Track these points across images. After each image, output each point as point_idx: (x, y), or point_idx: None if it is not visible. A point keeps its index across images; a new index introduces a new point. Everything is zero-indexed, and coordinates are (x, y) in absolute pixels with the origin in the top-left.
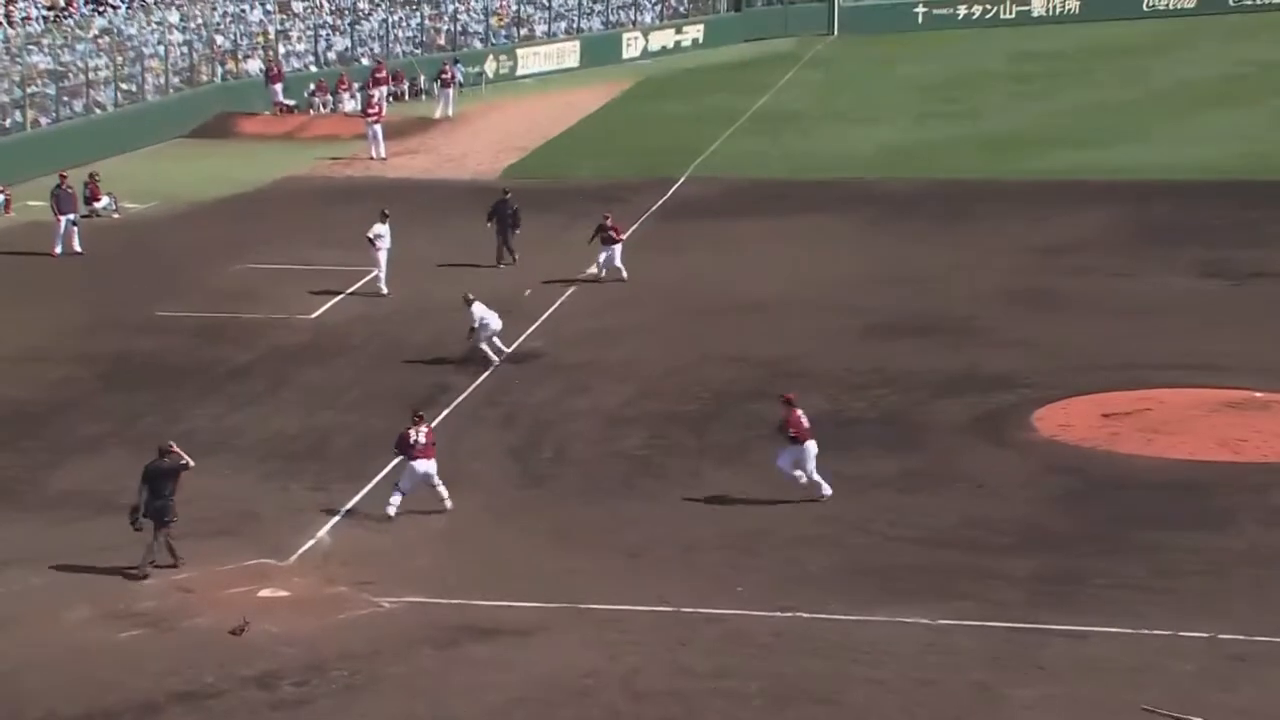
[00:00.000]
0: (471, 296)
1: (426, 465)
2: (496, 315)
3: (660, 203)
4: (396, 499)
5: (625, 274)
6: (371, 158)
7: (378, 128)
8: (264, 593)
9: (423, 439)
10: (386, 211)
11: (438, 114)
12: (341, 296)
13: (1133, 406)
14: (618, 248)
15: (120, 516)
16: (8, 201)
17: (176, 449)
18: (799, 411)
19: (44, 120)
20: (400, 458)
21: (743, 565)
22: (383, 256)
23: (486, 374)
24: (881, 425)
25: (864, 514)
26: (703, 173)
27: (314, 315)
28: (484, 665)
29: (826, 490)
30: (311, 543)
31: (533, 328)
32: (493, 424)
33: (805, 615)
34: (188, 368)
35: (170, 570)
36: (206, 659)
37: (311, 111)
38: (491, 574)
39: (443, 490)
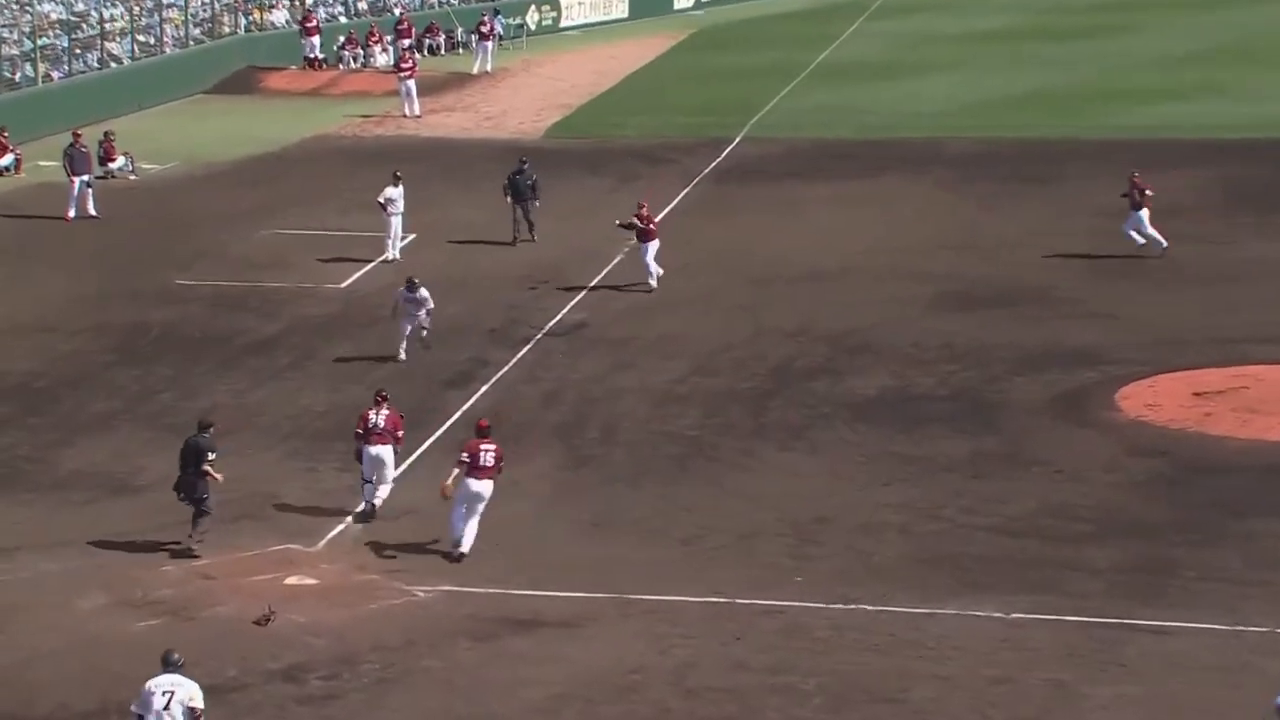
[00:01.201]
0: (417, 281)
1: (380, 450)
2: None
3: (714, 164)
4: (370, 489)
5: (655, 280)
6: (404, 116)
7: (411, 84)
8: (290, 580)
9: (382, 422)
10: (399, 174)
11: (475, 69)
12: (373, 264)
13: (1226, 384)
14: (652, 245)
15: (138, 497)
16: (18, 162)
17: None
18: None
19: (56, 74)
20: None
21: (802, 554)
22: (395, 222)
23: (526, 348)
24: (952, 404)
25: (933, 500)
26: (760, 132)
27: (343, 284)
28: (524, 659)
29: None
30: (341, 527)
31: (577, 298)
32: (534, 401)
33: (869, 608)
34: (208, 340)
35: (190, 557)
36: (229, 651)
37: (341, 66)
38: (533, 562)
39: (382, 491)
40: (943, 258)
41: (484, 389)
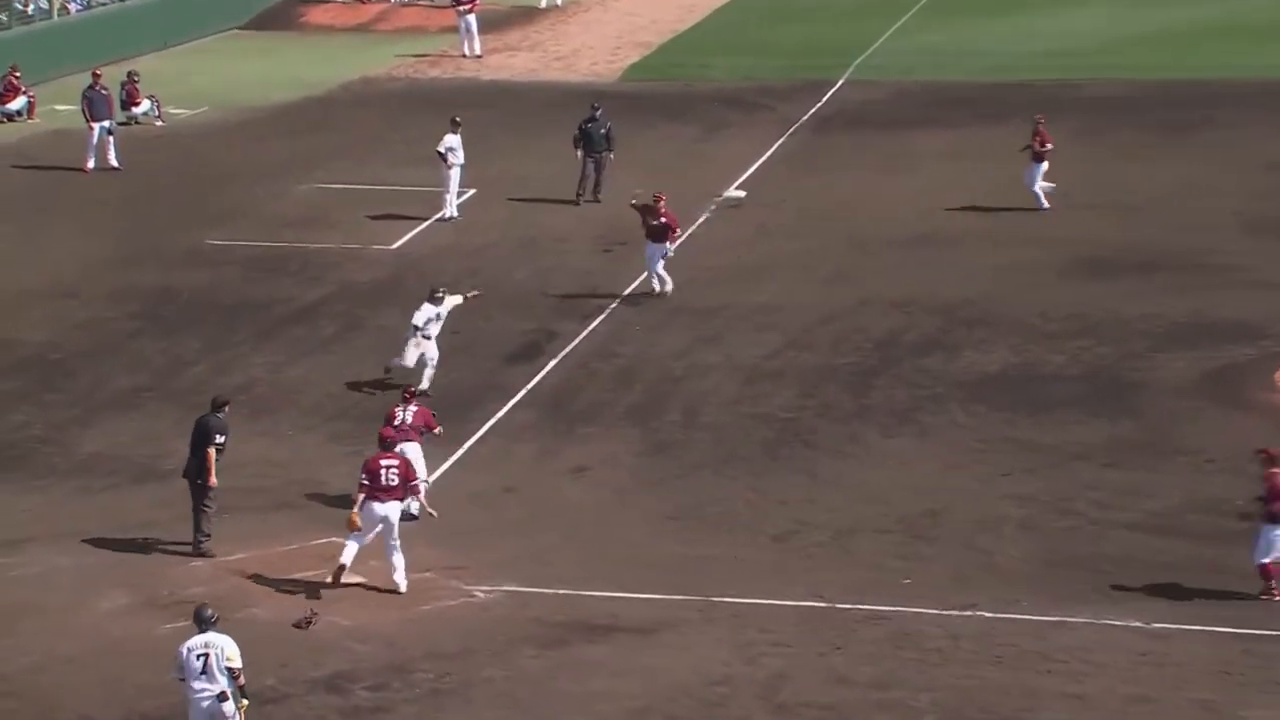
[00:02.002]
0: (441, 294)
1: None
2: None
3: (813, 111)
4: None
5: (669, 285)
6: (464, 55)
7: (471, 18)
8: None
9: (410, 418)
10: (458, 119)
11: (544, 2)
12: (428, 223)
13: None
14: (670, 246)
15: (164, 484)
16: (31, 105)
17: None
18: None
19: (74, 6)
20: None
21: (912, 553)
22: (454, 175)
23: (599, 319)
24: (1085, 384)
25: (1063, 492)
26: (865, 75)
27: (394, 246)
28: (597, 669)
29: None
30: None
31: (664, 259)
32: (608, 380)
33: (988, 615)
34: (243, 307)
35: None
36: (266, 657)
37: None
38: (606, 559)
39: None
40: (1074, 217)
41: (552, 364)
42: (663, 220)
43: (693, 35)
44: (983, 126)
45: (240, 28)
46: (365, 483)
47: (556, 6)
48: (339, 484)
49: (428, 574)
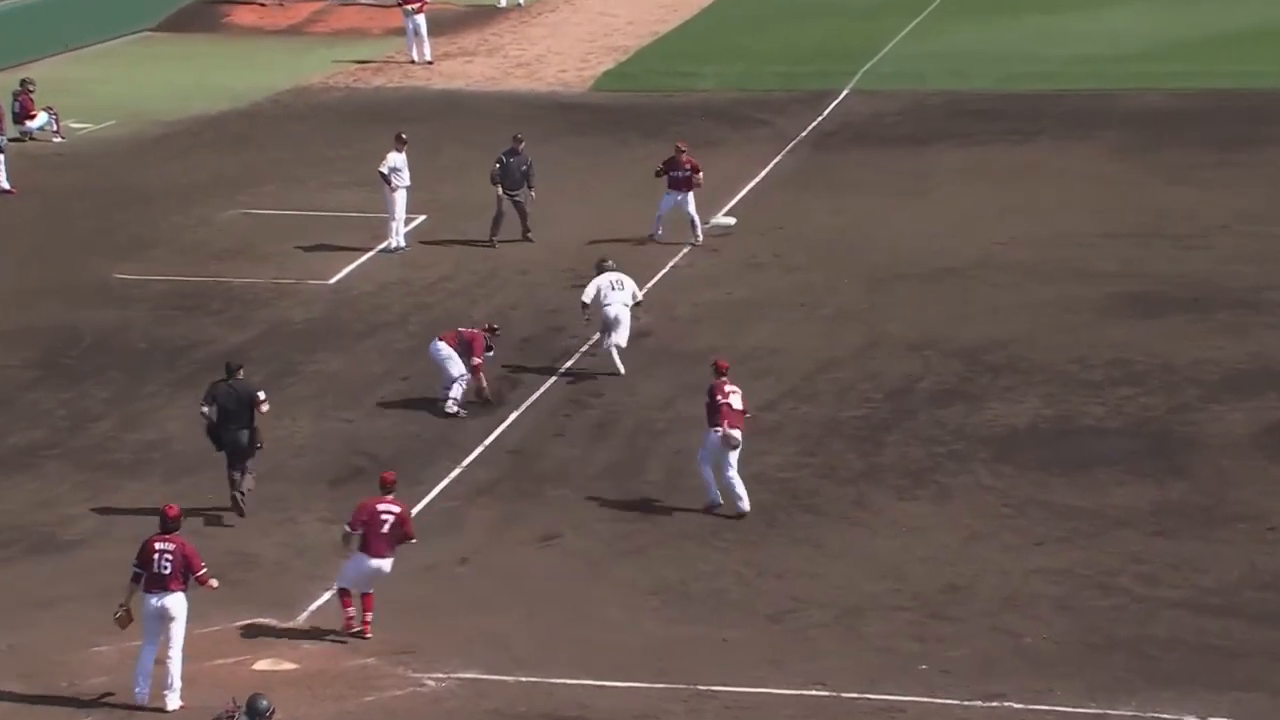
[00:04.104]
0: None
1: (383, 564)
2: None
3: (814, 125)
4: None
5: (700, 233)
6: (412, 60)
7: (420, 19)
8: (262, 665)
9: (392, 514)
10: (403, 136)
11: (503, 1)
12: (370, 254)
13: None
14: (691, 195)
15: (66, 555)
16: (56, 120)
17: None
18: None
19: None
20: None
21: (930, 634)
22: (400, 199)
23: (569, 363)
24: (1129, 439)
25: (1104, 564)
26: (874, 84)
27: (332, 280)
28: None
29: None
30: (328, 595)
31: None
32: (580, 433)
33: (1017, 706)
34: (157, 352)
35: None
36: None
37: None
38: (576, 641)
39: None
40: (1116, 248)
41: (515, 415)
42: (688, 170)
43: (675, 39)
44: (1009, 143)
45: (153, 29)
46: (136, 569)
47: (518, 6)
48: (271, 555)
49: (370, 660)
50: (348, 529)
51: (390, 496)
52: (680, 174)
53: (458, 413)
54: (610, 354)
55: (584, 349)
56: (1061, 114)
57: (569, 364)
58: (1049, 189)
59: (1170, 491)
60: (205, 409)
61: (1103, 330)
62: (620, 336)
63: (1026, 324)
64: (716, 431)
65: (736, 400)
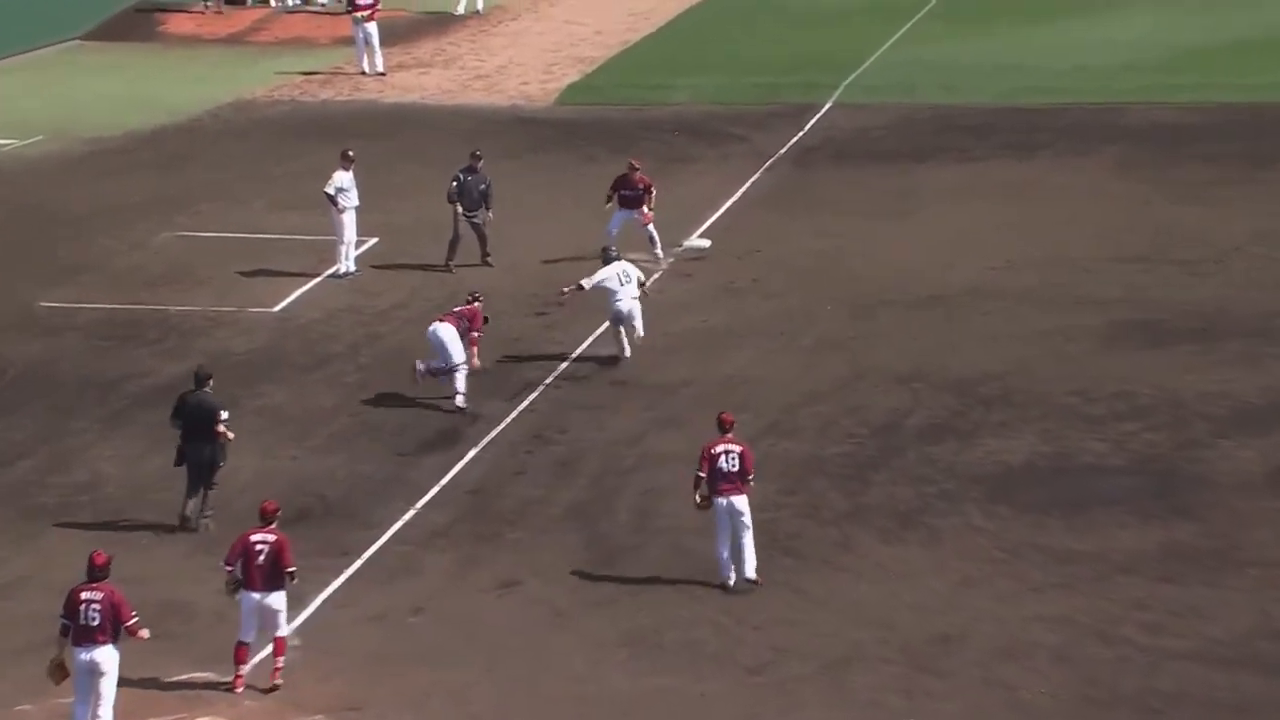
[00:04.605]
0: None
1: (273, 599)
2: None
3: (795, 140)
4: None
5: (660, 250)
6: (363, 72)
7: (371, 28)
8: None
9: (267, 544)
10: (350, 153)
11: (461, 7)
12: (317, 280)
13: None
14: (649, 215)
15: None
16: None
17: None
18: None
19: None
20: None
21: (918, 688)
22: (348, 221)
23: (533, 396)
24: (1132, 478)
25: (1107, 612)
26: (859, 96)
27: (276, 308)
28: None
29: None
30: (270, 647)
31: (603, 327)
32: (543, 472)
33: None
34: (87, 385)
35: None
36: None
37: (273, 3)
38: (539, 696)
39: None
40: (1119, 273)
41: (473, 453)
42: (640, 187)
43: (646, 49)
44: (1005, 160)
45: (83, 38)
46: (64, 621)
47: (477, 13)
48: (209, 604)
49: (317, 717)
50: (225, 567)
51: (270, 526)
52: (631, 193)
53: (466, 408)
54: (617, 337)
55: (548, 379)
56: (1062, 129)
57: (532, 397)
58: (1048, 209)
59: (1177, 534)
60: (173, 422)
61: (1105, 361)
62: (638, 327)
63: (1023, 354)
64: (719, 501)
65: (729, 462)
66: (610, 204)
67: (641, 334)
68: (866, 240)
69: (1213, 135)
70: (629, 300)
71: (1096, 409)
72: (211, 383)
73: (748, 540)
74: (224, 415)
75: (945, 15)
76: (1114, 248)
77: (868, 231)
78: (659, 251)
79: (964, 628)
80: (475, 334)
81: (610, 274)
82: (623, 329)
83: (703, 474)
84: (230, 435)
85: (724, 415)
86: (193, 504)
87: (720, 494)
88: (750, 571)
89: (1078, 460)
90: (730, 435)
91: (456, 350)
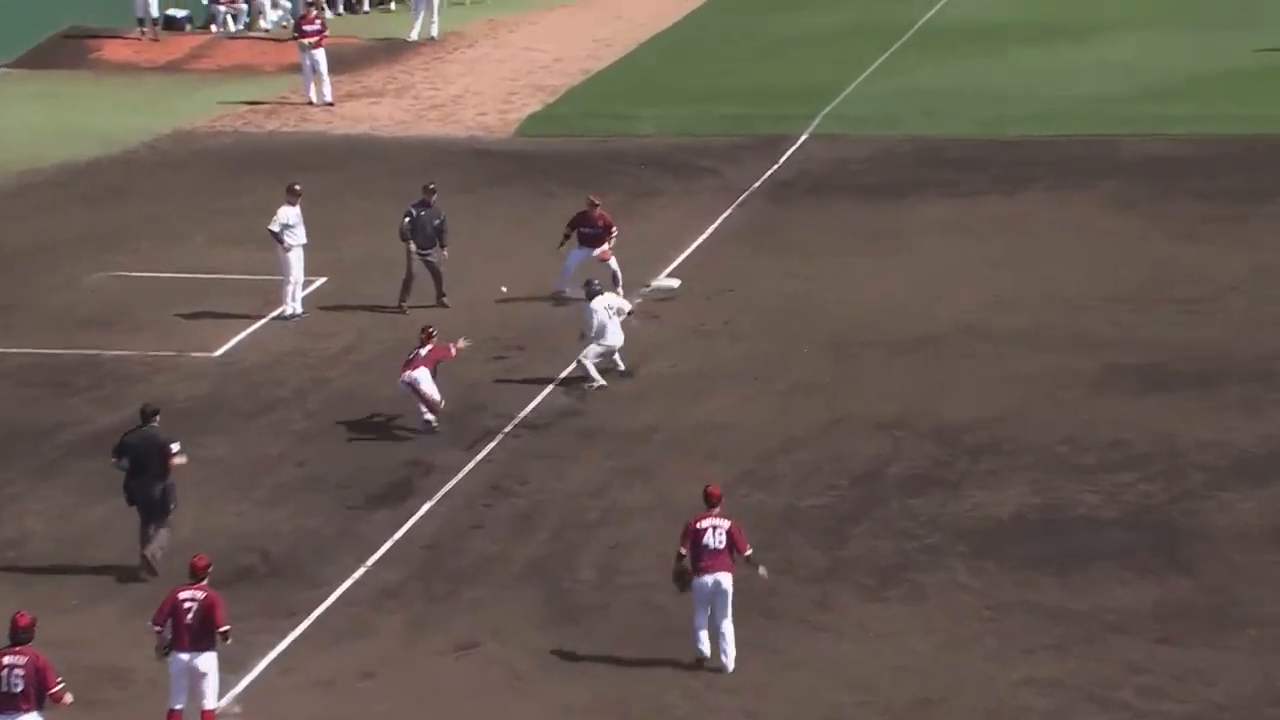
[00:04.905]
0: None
1: (202, 661)
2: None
3: (769, 174)
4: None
5: (621, 289)
6: (310, 101)
7: (319, 55)
8: None
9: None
10: (297, 188)
11: (415, 33)
12: (262, 323)
13: None
14: (608, 253)
15: None
16: None
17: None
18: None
19: None
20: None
21: None
22: (295, 259)
23: (490, 447)
24: (1127, 531)
25: (1101, 675)
26: (837, 127)
27: (217, 353)
28: None
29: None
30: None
31: (565, 371)
32: (502, 526)
33: None
34: (15, 436)
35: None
36: None
37: (214, 28)
38: None
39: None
40: (1114, 313)
41: (428, 506)
42: (600, 225)
43: (611, 78)
44: (993, 194)
45: (10, 65)
46: (157, 628)
47: (432, 39)
48: (145, 670)
49: None
50: (154, 627)
51: (200, 583)
52: (591, 230)
53: (436, 427)
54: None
55: (508, 428)
56: (1052, 161)
57: (490, 446)
58: (1038, 246)
59: (1175, 592)
60: (115, 460)
61: (1098, 407)
62: (620, 362)
63: (1011, 399)
64: (703, 581)
65: (716, 538)
66: (565, 244)
67: (623, 368)
68: (845, 279)
69: (1209, 168)
70: (617, 336)
71: (1089, 458)
72: (159, 418)
73: (728, 627)
74: (175, 448)
75: (928, 42)
76: (1107, 286)
77: (847, 270)
78: (620, 291)
79: (949, 691)
80: (451, 355)
81: (601, 310)
82: (603, 359)
83: (684, 551)
84: (183, 459)
85: (711, 489)
86: (151, 538)
87: (704, 572)
88: (730, 662)
89: (1070, 513)
90: (718, 510)
91: (433, 391)
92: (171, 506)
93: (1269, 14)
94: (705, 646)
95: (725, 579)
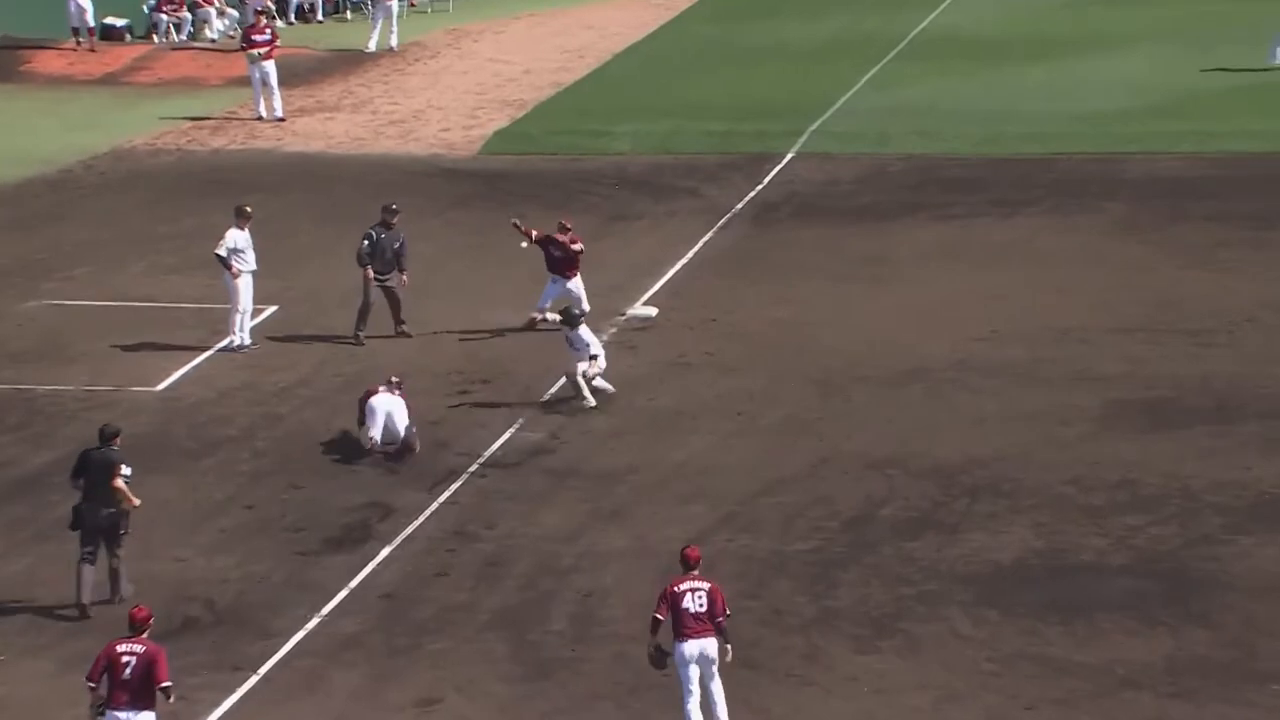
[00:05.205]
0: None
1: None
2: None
3: (753, 195)
4: None
5: (586, 309)
6: (260, 117)
7: (269, 67)
8: None
9: (135, 655)
10: (247, 209)
11: (373, 44)
12: (208, 355)
13: None
14: (576, 280)
15: None
16: None
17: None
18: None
19: None
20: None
21: None
22: (243, 285)
23: (454, 487)
24: (1137, 578)
25: None
26: (824, 145)
27: (159, 387)
28: None
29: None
30: None
31: (533, 409)
32: (467, 573)
33: None
34: None
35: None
36: None
37: (155, 38)
38: None
39: None
40: (1121, 345)
41: (387, 551)
42: (574, 249)
43: (583, 91)
44: (991, 218)
45: None
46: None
47: (391, 50)
48: None
49: None
50: (89, 684)
51: (140, 636)
52: (562, 254)
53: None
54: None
55: (472, 467)
56: (1053, 182)
57: (454, 487)
58: (1038, 273)
59: (1189, 643)
60: (72, 481)
61: (1105, 445)
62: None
63: (1012, 437)
64: (683, 648)
65: (696, 601)
66: (527, 245)
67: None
68: (835, 308)
69: (1220, 189)
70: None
71: (1096, 499)
72: (118, 441)
73: (717, 690)
74: (125, 471)
75: (921, 55)
76: (1113, 317)
77: (836, 298)
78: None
79: None
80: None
81: (592, 336)
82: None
83: (661, 617)
84: (134, 501)
85: (690, 550)
86: (90, 580)
87: (686, 637)
88: None
89: (1076, 558)
90: (696, 573)
91: (403, 419)
92: (122, 532)
93: None
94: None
95: (711, 646)
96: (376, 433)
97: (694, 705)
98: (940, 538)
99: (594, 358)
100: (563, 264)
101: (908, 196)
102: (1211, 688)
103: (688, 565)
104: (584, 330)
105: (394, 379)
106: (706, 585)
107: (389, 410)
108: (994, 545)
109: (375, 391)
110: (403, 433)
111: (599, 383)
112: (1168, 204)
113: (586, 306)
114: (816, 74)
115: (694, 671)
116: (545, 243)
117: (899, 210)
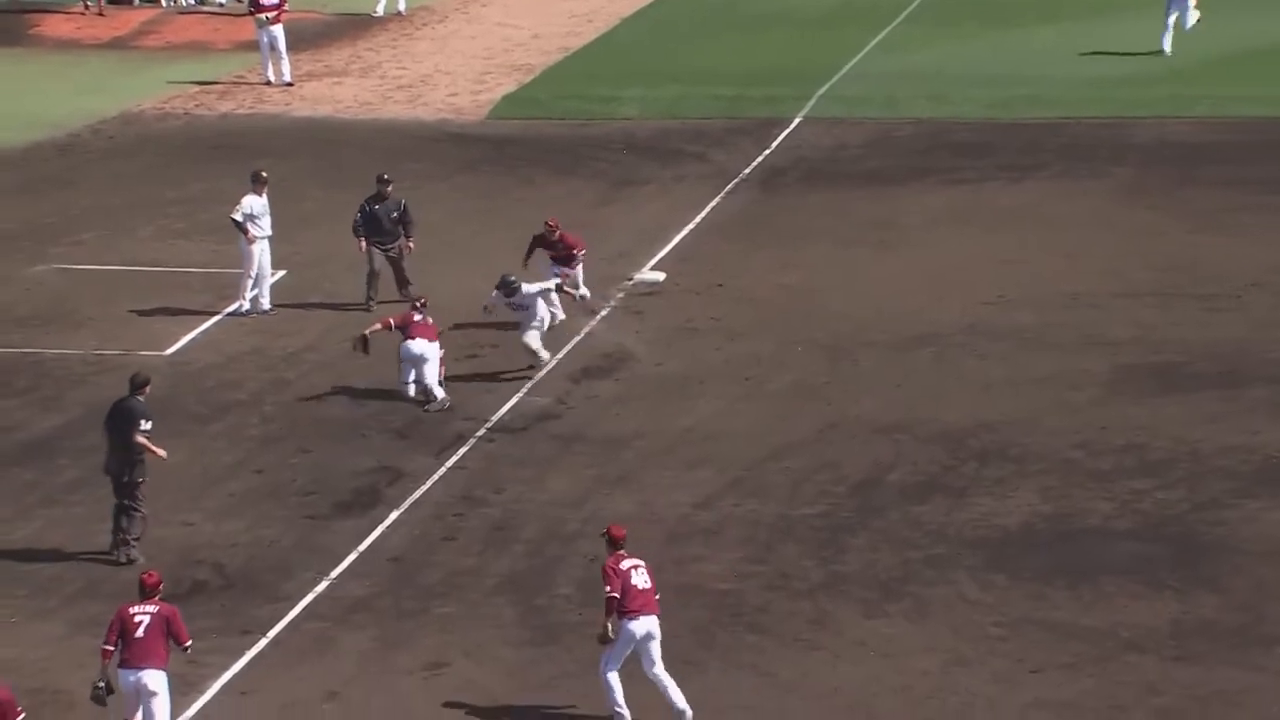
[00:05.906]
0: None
1: (146, 677)
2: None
3: (760, 159)
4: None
5: (586, 292)
6: (268, 81)
7: (278, 31)
8: None
9: (148, 615)
10: (264, 173)
11: (380, 8)
12: (217, 319)
13: None
14: (578, 272)
15: None
16: None
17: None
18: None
19: None
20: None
21: None
22: (257, 251)
23: (462, 451)
24: (1145, 543)
25: (1115, 696)
26: (833, 109)
27: (168, 351)
28: None
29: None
30: None
31: (543, 373)
32: (474, 538)
33: None
34: None
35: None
36: None
37: (164, 2)
38: None
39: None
40: (1130, 310)
41: (395, 515)
42: (562, 246)
43: (591, 56)
44: (1000, 182)
45: None
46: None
47: (399, 14)
48: (88, 694)
49: None
50: (104, 647)
51: (153, 598)
52: (557, 252)
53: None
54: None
55: (479, 433)
56: (1063, 147)
57: (462, 452)
58: (1048, 238)
59: (1196, 607)
60: (105, 429)
61: (1113, 410)
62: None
63: (1020, 402)
64: (631, 626)
65: (640, 577)
66: (528, 260)
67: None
68: (843, 273)
69: (1231, 154)
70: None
71: (1104, 464)
72: (147, 390)
73: (663, 673)
74: (145, 425)
75: (930, 18)
76: (1121, 282)
77: (844, 264)
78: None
79: (955, 714)
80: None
81: (540, 303)
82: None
83: (616, 594)
84: (158, 452)
85: (614, 529)
86: (123, 525)
87: (635, 614)
88: (686, 706)
89: (1083, 522)
90: (624, 551)
91: (433, 373)
92: (139, 480)
93: None
94: (626, 712)
95: (655, 624)
96: (409, 382)
97: (616, 672)
98: (948, 502)
99: (582, 298)
100: (565, 260)
101: (916, 161)
102: (1220, 651)
103: (617, 545)
104: (525, 291)
105: (420, 301)
106: (642, 561)
107: (422, 358)
108: (1001, 510)
109: (410, 320)
110: (428, 382)
111: (533, 342)
112: (1177, 169)
113: (586, 292)
114: (824, 38)
115: (631, 650)
116: (539, 244)
117: (907, 175)
